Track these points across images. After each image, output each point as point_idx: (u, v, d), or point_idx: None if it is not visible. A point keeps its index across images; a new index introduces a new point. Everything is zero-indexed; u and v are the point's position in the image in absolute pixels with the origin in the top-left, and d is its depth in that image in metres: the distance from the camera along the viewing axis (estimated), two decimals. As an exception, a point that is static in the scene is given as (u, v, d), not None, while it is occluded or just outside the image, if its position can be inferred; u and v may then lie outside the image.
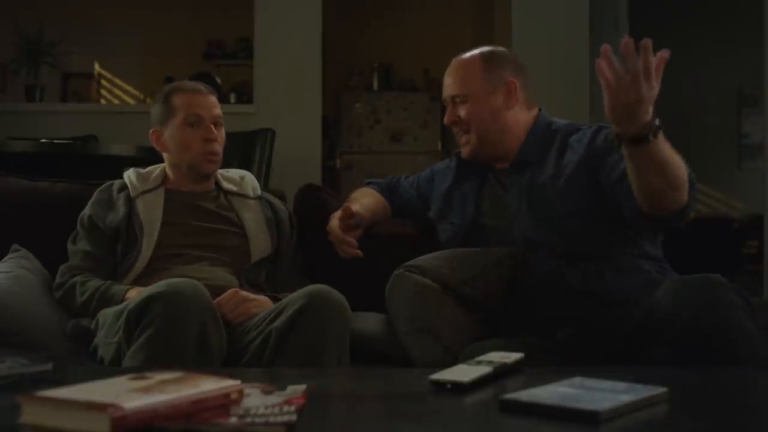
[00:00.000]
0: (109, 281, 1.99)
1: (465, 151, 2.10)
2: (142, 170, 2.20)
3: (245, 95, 6.54)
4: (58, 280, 2.05)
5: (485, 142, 2.06)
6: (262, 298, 1.95)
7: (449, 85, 2.10)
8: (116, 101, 7.48)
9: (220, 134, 2.16)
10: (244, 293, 1.92)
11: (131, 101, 7.50)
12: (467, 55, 2.11)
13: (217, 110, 2.16)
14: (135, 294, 1.88)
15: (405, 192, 2.31)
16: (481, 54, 2.09)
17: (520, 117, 2.06)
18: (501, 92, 2.04)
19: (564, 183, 1.93)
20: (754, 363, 1.57)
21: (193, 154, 2.12)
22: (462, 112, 2.06)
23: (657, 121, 1.62)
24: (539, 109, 2.12)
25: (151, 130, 2.18)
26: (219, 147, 2.15)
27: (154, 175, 2.18)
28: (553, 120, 2.10)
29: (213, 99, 2.17)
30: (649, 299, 1.70)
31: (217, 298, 1.87)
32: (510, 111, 2.05)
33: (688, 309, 1.59)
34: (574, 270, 1.87)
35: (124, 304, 1.81)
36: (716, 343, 1.57)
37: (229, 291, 1.91)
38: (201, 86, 2.19)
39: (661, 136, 1.63)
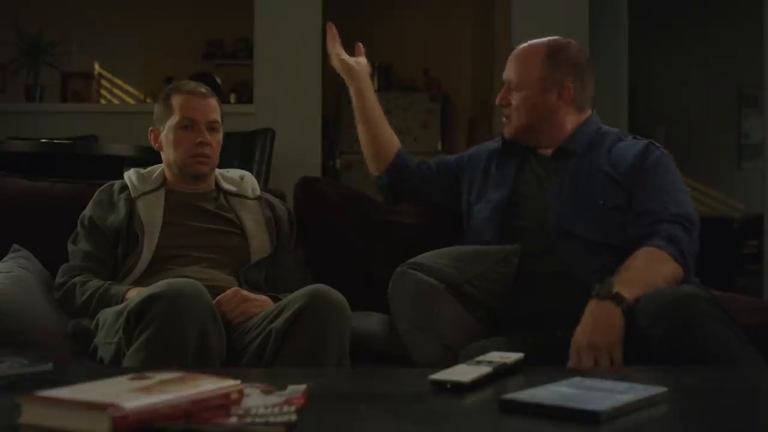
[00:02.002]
0: (108, 282, 1.99)
1: (507, 131, 2.12)
2: (142, 171, 2.21)
3: (245, 95, 6.54)
4: (58, 280, 2.05)
5: (528, 131, 2.08)
6: (262, 298, 1.95)
7: (508, 69, 2.11)
8: (116, 101, 7.47)
9: (215, 138, 2.14)
10: (245, 293, 1.92)
11: (131, 101, 7.50)
12: (534, 43, 2.11)
13: (214, 115, 2.15)
14: (135, 294, 1.88)
15: (434, 163, 2.31)
16: (548, 47, 2.08)
17: (569, 117, 2.08)
18: (554, 92, 2.05)
19: (612, 179, 1.96)
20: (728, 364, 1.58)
21: (182, 155, 2.12)
22: (513, 99, 2.08)
23: (614, 291, 1.69)
24: (591, 112, 2.13)
25: (150, 128, 2.19)
26: (211, 150, 2.13)
27: (154, 175, 2.19)
28: (602, 125, 2.13)
29: (211, 102, 2.16)
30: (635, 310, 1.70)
31: (218, 297, 1.87)
32: (558, 111, 2.07)
33: (663, 325, 1.60)
34: (594, 260, 1.88)
35: (124, 304, 1.81)
36: (691, 357, 1.57)
37: (230, 290, 1.91)
38: (202, 88, 2.18)
39: (630, 289, 1.70)
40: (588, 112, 2.13)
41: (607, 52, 5.18)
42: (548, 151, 2.10)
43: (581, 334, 1.66)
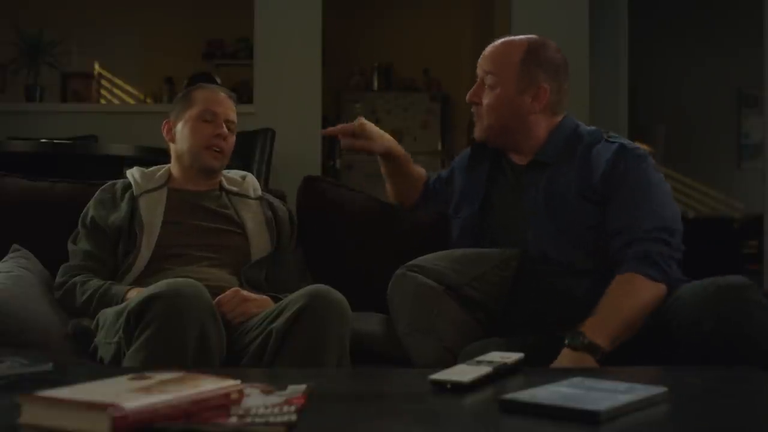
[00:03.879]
0: (109, 281, 1.99)
1: (476, 131, 2.05)
2: (146, 169, 2.21)
3: (245, 95, 6.53)
4: (58, 279, 2.05)
5: (498, 133, 2.02)
6: (262, 298, 1.95)
7: (483, 63, 2.03)
8: (116, 101, 7.47)
9: (230, 137, 2.19)
10: (245, 293, 1.92)
11: (131, 101, 7.50)
12: (513, 40, 2.02)
13: (233, 114, 2.21)
14: (135, 294, 1.88)
15: (438, 179, 2.30)
16: (527, 45, 1.99)
17: (542, 121, 2.00)
18: (530, 94, 1.98)
19: (584, 196, 1.90)
20: None
21: (198, 145, 2.14)
22: (485, 97, 2.00)
23: (587, 341, 1.65)
24: (566, 114, 2.06)
25: (165, 120, 2.22)
26: (226, 146, 2.17)
27: (158, 174, 2.19)
28: (579, 124, 2.05)
29: (231, 103, 2.23)
30: (667, 302, 1.69)
31: (218, 297, 1.87)
32: (532, 115, 1.99)
33: (714, 313, 1.57)
34: (580, 283, 1.85)
35: (124, 304, 1.81)
36: (743, 349, 1.55)
37: (230, 290, 1.91)
38: (224, 90, 2.26)
39: (603, 334, 1.66)
40: (562, 115, 2.04)
41: (607, 52, 5.18)
42: (521, 160, 2.03)
43: None
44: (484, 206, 2.05)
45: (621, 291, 1.74)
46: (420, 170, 2.32)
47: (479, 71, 2.03)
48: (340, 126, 2.24)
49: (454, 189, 2.19)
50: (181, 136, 2.17)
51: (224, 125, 2.16)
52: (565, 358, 1.65)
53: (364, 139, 2.19)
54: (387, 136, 2.24)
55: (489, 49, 2.04)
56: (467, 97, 2.04)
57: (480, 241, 2.01)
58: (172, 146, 2.21)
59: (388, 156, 2.23)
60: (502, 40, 2.04)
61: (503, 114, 1.99)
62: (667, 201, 1.89)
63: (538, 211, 1.93)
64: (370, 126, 2.22)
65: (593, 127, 2.05)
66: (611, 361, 1.66)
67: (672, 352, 1.63)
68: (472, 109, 2.06)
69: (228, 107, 2.20)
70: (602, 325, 1.67)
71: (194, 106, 2.17)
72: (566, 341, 1.66)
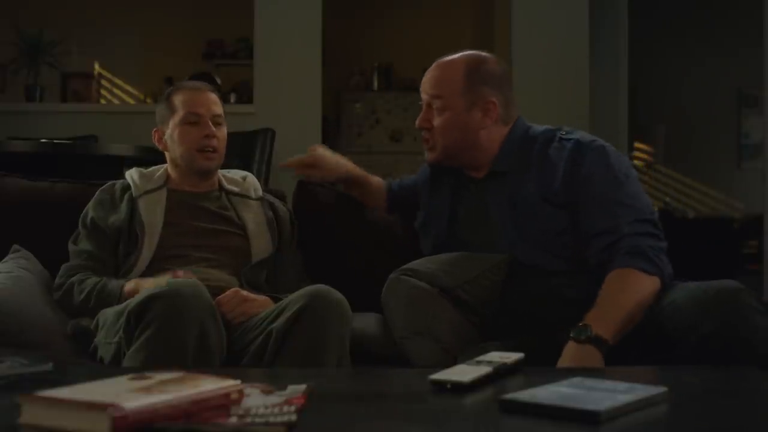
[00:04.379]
0: (105, 278, 1.99)
1: (429, 156, 2.04)
2: (144, 170, 2.21)
3: (245, 95, 6.53)
4: (57, 281, 2.05)
5: (451, 155, 2.01)
6: (262, 298, 1.95)
7: (427, 88, 2.01)
8: (116, 101, 7.47)
9: (220, 132, 2.16)
10: (245, 293, 1.92)
11: (131, 101, 7.50)
12: (452, 59, 2.02)
13: (218, 108, 2.17)
14: (133, 285, 1.90)
15: (404, 185, 2.32)
16: (467, 63, 1.99)
17: (494, 133, 1.99)
18: (478, 110, 1.97)
19: (548, 201, 1.89)
20: None
21: (189, 149, 2.13)
22: (435, 120, 1.99)
23: (593, 334, 1.65)
24: (517, 118, 2.03)
25: (154, 129, 2.20)
26: (218, 143, 2.15)
27: (157, 174, 2.19)
28: (530, 126, 2.03)
29: (213, 97, 2.18)
30: (661, 303, 1.70)
31: (218, 297, 1.87)
32: (484, 130, 1.98)
33: (712, 317, 1.58)
34: (569, 284, 1.86)
35: (123, 304, 1.81)
36: (741, 351, 1.56)
37: (230, 290, 1.91)
38: (202, 84, 2.21)
39: (607, 327, 1.66)
40: (513, 121, 2.02)
41: (607, 52, 5.18)
42: (479, 174, 2.03)
43: None
44: (451, 223, 2.06)
45: (618, 286, 1.74)
46: (377, 180, 2.36)
47: (424, 96, 2.02)
48: (295, 159, 2.33)
49: (419, 202, 2.19)
50: (171, 142, 2.16)
51: (210, 123, 2.14)
52: (570, 351, 1.65)
53: (318, 169, 2.29)
54: (343, 161, 2.32)
55: (429, 73, 2.03)
56: (417, 123, 2.03)
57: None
58: (166, 153, 2.21)
59: (347, 181, 2.33)
60: (439, 61, 2.04)
61: (456, 134, 1.98)
62: (637, 190, 1.89)
63: (505, 220, 1.93)
64: (323, 155, 2.30)
65: (545, 127, 2.03)
66: (607, 362, 1.66)
67: (667, 353, 1.64)
68: (423, 135, 2.04)
69: (210, 103, 2.16)
70: (605, 319, 1.67)
71: (177, 112, 2.14)
72: (571, 334, 1.66)
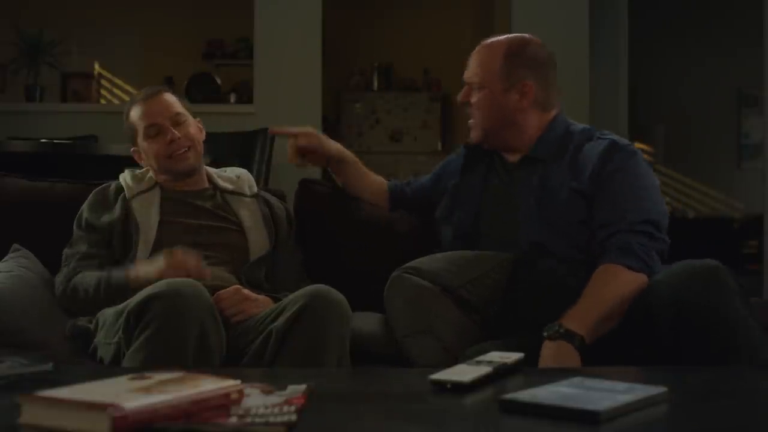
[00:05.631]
0: (104, 273, 1.98)
1: (473, 134, 2.08)
2: (137, 171, 2.20)
3: (245, 95, 6.54)
4: (59, 287, 2.03)
5: (490, 134, 2.05)
6: (262, 298, 1.95)
7: (468, 68, 2.06)
8: (116, 101, 7.47)
9: (184, 130, 2.12)
10: (246, 292, 1.92)
11: (131, 101, 7.49)
12: (494, 40, 2.06)
13: (174, 108, 2.14)
14: (139, 268, 1.91)
15: (417, 186, 2.31)
16: (508, 45, 2.03)
17: (533, 118, 2.03)
18: (516, 92, 2.01)
19: (576, 191, 1.92)
20: (749, 351, 1.60)
21: (160, 159, 2.12)
22: (474, 98, 2.04)
23: (563, 330, 1.68)
24: (558, 111, 2.07)
25: (132, 149, 2.20)
26: (186, 142, 2.11)
27: (149, 175, 2.18)
28: (572, 123, 2.08)
29: (167, 98, 2.16)
30: (647, 289, 1.72)
31: (218, 292, 1.87)
32: (521, 112, 2.02)
33: (688, 293, 1.62)
34: (577, 275, 1.86)
35: (123, 304, 1.81)
36: (715, 328, 1.60)
37: (231, 287, 1.91)
38: (152, 89, 2.18)
39: (581, 322, 1.70)
40: (554, 112, 2.06)
41: (607, 52, 5.18)
42: (514, 157, 2.06)
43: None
44: (480, 206, 2.06)
45: (600, 281, 1.78)
46: (378, 179, 2.36)
47: (465, 75, 2.07)
48: (286, 128, 2.34)
49: (441, 192, 2.19)
50: (146, 158, 2.16)
51: (171, 127, 2.10)
52: (545, 350, 1.68)
53: (310, 137, 2.26)
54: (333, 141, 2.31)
55: (474, 52, 2.07)
56: (459, 97, 2.08)
57: (473, 244, 2.02)
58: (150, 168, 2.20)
59: (340, 161, 2.30)
60: (484, 42, 2.08)
61: (492, 114, 2.02)
62: (653, 195, 1.92)
63: (530, 205, 1.95)
64: (315, 132, 2.29)
65: (585, 125, 2.08)
66: (596, 349, 1.68)
67: (652, 332, 1.66)
68: (468, 111, 2.08)
69: (163, 107, 2.13)
70: (580, 314, 1.71)
71: (137, 129, 2.14)
72: (544, 333, 1.70)
